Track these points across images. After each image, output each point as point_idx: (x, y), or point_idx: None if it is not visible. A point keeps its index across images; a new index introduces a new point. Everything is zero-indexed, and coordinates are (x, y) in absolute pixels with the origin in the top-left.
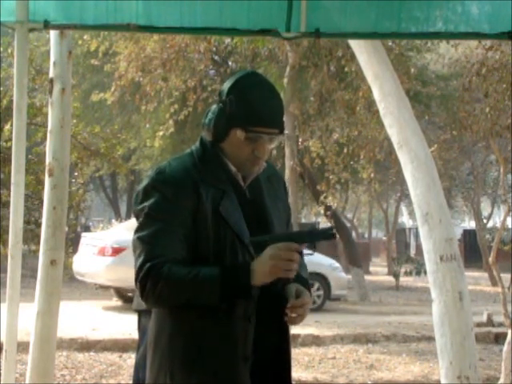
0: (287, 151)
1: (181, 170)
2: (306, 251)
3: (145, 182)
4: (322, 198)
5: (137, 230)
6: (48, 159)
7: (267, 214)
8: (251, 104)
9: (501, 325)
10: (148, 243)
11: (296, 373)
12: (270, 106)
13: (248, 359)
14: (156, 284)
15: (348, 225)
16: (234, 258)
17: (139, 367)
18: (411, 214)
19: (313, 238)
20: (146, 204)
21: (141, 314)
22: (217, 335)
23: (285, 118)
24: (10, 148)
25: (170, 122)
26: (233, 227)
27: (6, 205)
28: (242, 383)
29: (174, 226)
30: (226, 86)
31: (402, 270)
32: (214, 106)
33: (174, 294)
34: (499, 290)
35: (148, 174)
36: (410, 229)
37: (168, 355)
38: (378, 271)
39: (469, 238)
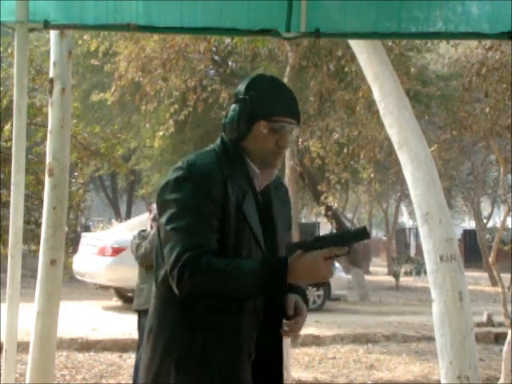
0: (287, 151)
1: (211, 164)
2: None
3: (176, 174)
4: (322, 198)
5: (169, 221)
6: (48, 159)
7: (274, 219)
8: (272, 96)
9: (501, 325)
10: (185, 233)
11: (296, 373)
12: (289, 98)
13: (252, 355)
14: (193, 275)
15: (348, 225)
16: (249, 255)
17: (139, 367)
18: (411, 214)
19: (349, 239)
20: (180, 195)
21: (141, 313)
22: (226, 330)
23: None
24: (10, 148)
25: (170, 121)
26: (251, 226)
27: (6, 205)
28: (245, 380)
29: (207, 217)
30: (242, 86)
31: (402, 269)
32: (234, 105)
33: (212, 286)
34: (499, 289)
35: (178, 166)
36: (410, 229)
37: (173, 353)
38: (378, 271)
39: (469, 238)
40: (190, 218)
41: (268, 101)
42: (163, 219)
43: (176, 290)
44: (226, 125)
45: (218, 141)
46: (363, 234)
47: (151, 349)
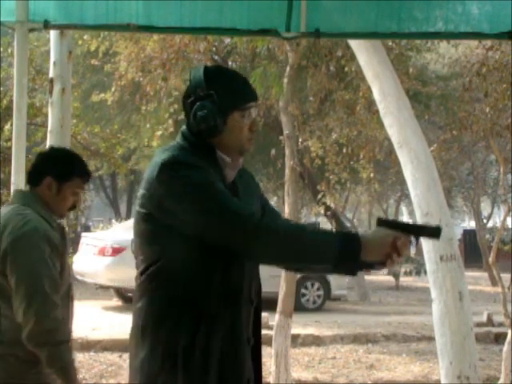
0: (287, 151)
1: (191, 155)
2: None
3: (170, 170)
4: (319, 196)
5: (200, 204)
6: None
7: None
8: (235, 85)
9: (501, 325)
10: (228, 207)
11: (296, 373)
12: (245, 82)
13: (250, 341)
14: (273, 239)
15: (348, 225)
16: None
17: None
18: (411, 213)
19: (421, 232)
20: (194, 179)
21: None
22: (227, 320)
23: (284, 118)
24: (10, 148)
25: (170, 121)
26: None
27: None
28: (247, 366)
29: (227, 192)
30: (198, 81)
31: (402, 270)
32: (200, 103)
33: (295, 246)
34: (499, 289)
35: (165, 163)
36: None
37: (176, 352)
38: (378, 271)
39: (469, 238)
40: (221, 195)
41: (234, 90)
42: (191, 209)
43: (254, 255)
44: (199, 124)
45: (180, 139)
46: (435, 233)
47: (148, 349)
